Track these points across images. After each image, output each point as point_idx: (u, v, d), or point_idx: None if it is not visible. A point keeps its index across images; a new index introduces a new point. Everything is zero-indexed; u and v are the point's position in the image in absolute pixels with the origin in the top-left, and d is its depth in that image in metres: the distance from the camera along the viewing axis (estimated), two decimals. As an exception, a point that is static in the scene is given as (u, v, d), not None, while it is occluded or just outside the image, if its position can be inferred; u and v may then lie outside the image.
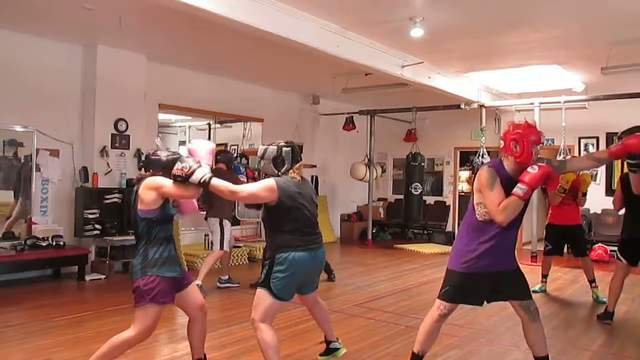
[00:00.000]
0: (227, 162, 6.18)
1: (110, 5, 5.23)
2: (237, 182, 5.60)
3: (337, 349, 3.69)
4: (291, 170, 3.24)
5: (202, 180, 2.85)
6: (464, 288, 3.16)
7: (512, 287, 3.20)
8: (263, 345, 3.06)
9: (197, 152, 3.03)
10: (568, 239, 6.10)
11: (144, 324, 2.95)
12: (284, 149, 3.24)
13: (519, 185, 2.97)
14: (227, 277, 6.27)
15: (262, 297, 3.12)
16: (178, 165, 2.88)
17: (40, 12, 5.56)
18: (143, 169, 3.21)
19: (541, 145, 3.09)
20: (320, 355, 3.74)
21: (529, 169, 3.00)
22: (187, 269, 7.04)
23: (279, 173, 3.22)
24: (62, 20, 5.84)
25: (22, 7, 5.38)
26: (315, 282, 3.45)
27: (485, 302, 3.26)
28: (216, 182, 2.93)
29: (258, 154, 3.33)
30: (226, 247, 5.99)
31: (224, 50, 6.93)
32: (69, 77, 6.76)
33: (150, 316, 2.94)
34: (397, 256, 9.10)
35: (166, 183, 2.95)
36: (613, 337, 4.49)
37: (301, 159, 3.32)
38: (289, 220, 3.17)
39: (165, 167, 3.02)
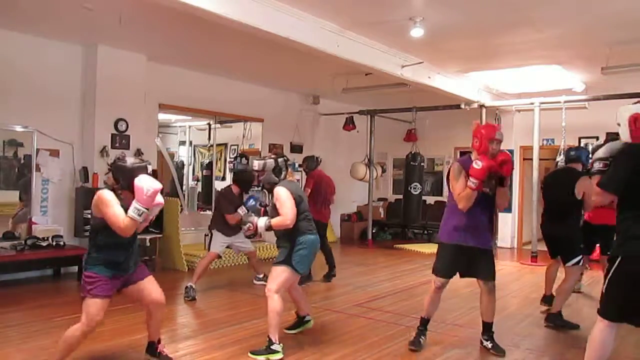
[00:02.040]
0: (241, 185, 5.83)
1: (110, 5, 5.23)
2: (235, 206, 5.69)
3: (307, 321, 4.36)
4: (287, 175, 4.00)
5: (266, 229, 3.79)
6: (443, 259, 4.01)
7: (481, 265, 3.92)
8: (272, 311, 3.72)
9: (140, 190, 3.10)
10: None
11: (85, 313, 3.30)
12: (279, 160, 3.98)
13: (470, 179, 3.68)
14: (262, 275, 6.17)
15: (281, 271, 3.82)
16: (244, 227, 3.87)
17: (40, 12, 5.56)
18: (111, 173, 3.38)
19: (497, 140, 3.78)
20: (289, 329, 4.31)
21: (473, 164, 3.68)
22: (187, 268, 7.05)
23: (279, 179, 3.95)
24: (62, 20, 5.84)
25: (22, 7, 5.38)
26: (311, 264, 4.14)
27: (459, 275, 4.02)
28: (274, 221, 3.78)
29: (257, 167, 3.96)
30: (212, 249, 5.78)
31: (224, 50, 6.93)
32: (69, 77, 6.76)
33: (89, 307, 3.30)
34: (397, 256, 9.10)
35: (110, 204, 3.18)
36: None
37: (289, 166, 4.09)
38: (300, 211, 3.87)
39: (130, 175, 3.19)
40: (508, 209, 10.45)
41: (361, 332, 4.50)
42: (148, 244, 7.05)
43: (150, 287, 3.52)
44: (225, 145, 9.94)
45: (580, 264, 4.89)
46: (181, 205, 7.54)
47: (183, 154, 10.52)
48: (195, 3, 4.43)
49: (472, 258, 3.91)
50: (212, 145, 9.52)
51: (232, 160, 9.27)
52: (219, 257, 6.08)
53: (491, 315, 4.05)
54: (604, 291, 2.92)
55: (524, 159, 10.41)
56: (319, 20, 5.67)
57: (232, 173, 6.94)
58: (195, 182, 10.21)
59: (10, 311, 4.93)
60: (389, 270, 7.67)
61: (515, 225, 10.54)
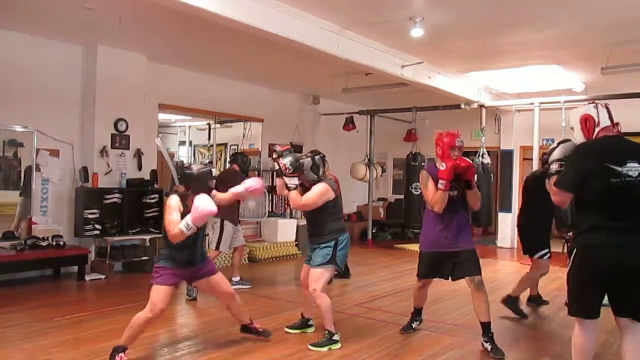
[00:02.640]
0: (240, 165, 6.29)
1: (110, 5, 5.23)
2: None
3: (310, 326, 4.46)
4: (326, 173, 4.15)
5: (290, 187, 3.99)
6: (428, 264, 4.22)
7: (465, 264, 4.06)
8: (325, 307, 4.03)
9: (195, 208, 3.44)
10: None
11: (150, 300, 3.57)
12: (316, 157, 4.11)
13: (439, 181, 3.95)
14: (238, 278, 6.21)
15: (324, 272, 4.06)
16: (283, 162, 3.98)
17: (40, 12, 5.56)
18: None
19: (457, 147, 4.10)
20: (290, 328, 4.45)
21: (438, 166, 4.04)
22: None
23: (318, 177, 4.08)
24: (62, 20, 5.83)
25: (22, 7, 5.38)
26: None
27: (450, 278, 4.16)
28: (292, 194, 3.99)
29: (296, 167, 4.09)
30: (222, 248, 6.03)
31: (224, 50, 6.93)
32: (69, 77, 6.76)
33: (153, 294, 3.57)
34: (397, 256, 9.10)
35: (170, 210, 3.54)
36: (613, 337, 4.48)
37: (327, 163, 4.20)
38: (339, 211, 4.22)
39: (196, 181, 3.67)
40: (508, 209, 10.45)
41: (361, 332, 4.50)
42: (148, 244, 7.04)
43: (219, 281, 3.88)
44: (225, 145, 9.93)
45: (546, 257, 5.12)
46: (181, 205, 7.52)
47: (183, 154, 10.52)
48: (195, 3, 4.42)
49: (454, 260, 4.08)
50: (212, 145, 9.52)
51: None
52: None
53: (486, 314, 4.04)
54: (568, 287, 3.03)
55: (524, 159, 10.40)
56: (319, 20, 5.67)
57: (231, 156, 7.24)
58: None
59: (10, 311, 4.93)
60: (389, 270, 7.67)
61: (515, 226, 10.52)
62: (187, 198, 3.60)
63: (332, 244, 4.06)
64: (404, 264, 8.23)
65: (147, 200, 7.09)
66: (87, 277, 6.35)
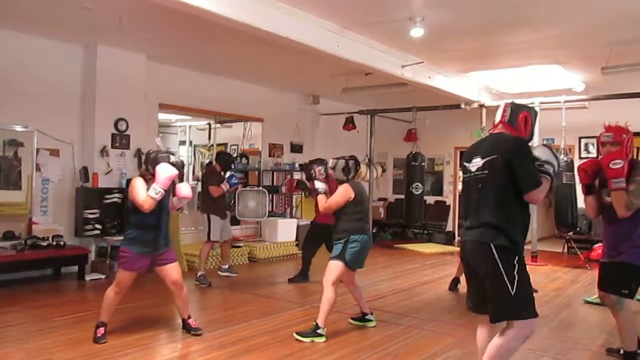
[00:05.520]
0: (222, 164, 6.55)
1: (110, 5, 5.23)
2: (215, 184, 6.30)
3: (369, 320, 4.64)
4: (355, 176, 4.49)
5: (318, 192, 4.43)
6: None
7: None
8: (327, 300, 4.17)
9: (159, 174, 3.88)
10: None
11: (116, 280, 4.05)
12: (350, 162, 4.44)
13: None
14: (227, 266, 6.73)
15: (336, 266, 4.25)
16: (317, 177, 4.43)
17: (40, 12, 5.56)
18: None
19: (602, 142, 3.74)
20: (352, 319, 4.69)
21: None
22: (187, 268, 7.06)
23: (348, 179, 4.40)
24: (62, 20, 5.83)
25: (22, 7, 5.38)
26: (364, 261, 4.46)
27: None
28: (321, 198, 4.37)
29: (330, 165, 4.48)
30: (212, 238, 6.33)
31: (224, 50, 6.93)
32: (69, 77, 6.76)
33: (118, 276, 4.05)
34: (397, 256, 9.09)
35: (135, 186, 3.92)
36: (613, 337, 4.48)
37: (359, 168, 4.59)
38: (359, 211, 4.34)
39: (153, 163, 3.99)
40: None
41: (361, 332, 4.50)
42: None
43: (171, 270, 4.14)
44: (225, 145, 9.94)
45: None
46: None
47: (183, 153, 10.53)
48: (195, 3, 4.42)
49: (608, 272, 3.75)
50: (212, 145, 9.53)
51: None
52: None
53: (630, 342, 3.67)
54: None
55: (524, 159, 10.38)
56: (319, 20, 5.67)
57: (216, 155, 7.45)
58: (196, 182, 10.22)
59: (10, 311, 4.92)
60: (389, 270, 7.67)
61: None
62: (147, 179, 3.97)
63: (343, 241, 4.25)
64: (404, 264, 8.24)
65: (147, 200, 7.08)
66: (87, 277, 6.35)
